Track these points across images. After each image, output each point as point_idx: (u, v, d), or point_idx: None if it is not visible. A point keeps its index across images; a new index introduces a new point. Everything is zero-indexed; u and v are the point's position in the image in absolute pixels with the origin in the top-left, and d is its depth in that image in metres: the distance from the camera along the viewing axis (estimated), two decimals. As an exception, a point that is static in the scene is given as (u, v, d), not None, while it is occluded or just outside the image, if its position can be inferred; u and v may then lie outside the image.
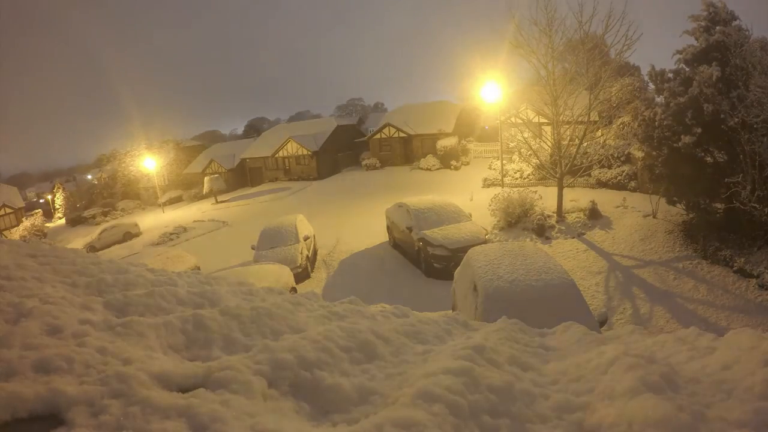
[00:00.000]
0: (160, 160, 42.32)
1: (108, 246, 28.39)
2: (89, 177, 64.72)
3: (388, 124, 34.74)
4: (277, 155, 39.43)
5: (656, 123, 13.04)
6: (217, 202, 35.51)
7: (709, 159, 12.67)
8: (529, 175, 21.14)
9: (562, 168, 15.52)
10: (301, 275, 13.24)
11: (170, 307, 3.14)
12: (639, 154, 16.42)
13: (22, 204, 42.88)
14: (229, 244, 20.64)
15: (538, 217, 14.95)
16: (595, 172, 18.41)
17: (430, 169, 29.66)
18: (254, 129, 66.24)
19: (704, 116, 11.99)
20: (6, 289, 2.91)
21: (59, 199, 53.68)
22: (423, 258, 12.60)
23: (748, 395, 1.83)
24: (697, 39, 12.78)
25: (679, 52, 13.22)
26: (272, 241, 14.24)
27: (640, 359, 2.12)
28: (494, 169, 22.91)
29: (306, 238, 14.54)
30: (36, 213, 44.74)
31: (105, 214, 42.76)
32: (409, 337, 3.04)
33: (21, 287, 3.03)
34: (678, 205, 13.51)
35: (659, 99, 14.02)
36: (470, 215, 13.94)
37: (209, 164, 43.20)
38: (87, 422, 1.55)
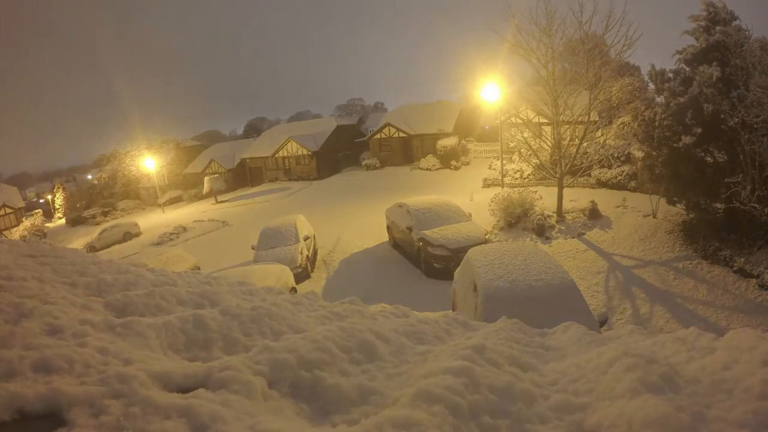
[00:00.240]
0: (160, 160, 42.33)
1: (108, 246, 28.40)
2: (89, 177, 64.76)
3: (388, 124, 34.75)
4: (277, 155, 39.43)
5: (656, 123, 13.04)
6: (217, 202, 35.52)
7: (709, 159, 12.67)
8: (529, 175, 21.14)
9: (562, 168, 15.52)
10: (301, 275, 13.24)
11: (170, 307, 3.15)
12: (639, 154, 16.42)
13: (22, 204, 42.91)
14: (229, 244, 20.64)
15: (538, 217, 14.95)
16: (595, 172, 18.41)
17: (430, 169, 29.66)
18: (254, 129, 66.22)
19: (704, 116, 11.99)
20: (6, 289, 2.91)
21: (59, 199, 53.69)
22: (423, 258, 12.60)
23: (748, 395, 1.83)
24: (697, 39, 12.79)
25: (679, 52, 13.22)
26: (272, 241, 14.25)
27: (640, 359, 2.12)
28: (494, 169, 22.91)
29: (306, 238, 14.54)
30: (36, 213, 44.79)
31: (105, 214, 42.78)
32: (409, 337, 3.04)
33: (21, 287, 3.03)
34: (678, 205, 13.51)
35: (659, 99, 14.03)
36: (470, 215, 13.94)
37: (209, 164, 43.22)
38: (87, 422, 1.55)
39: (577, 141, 15.53)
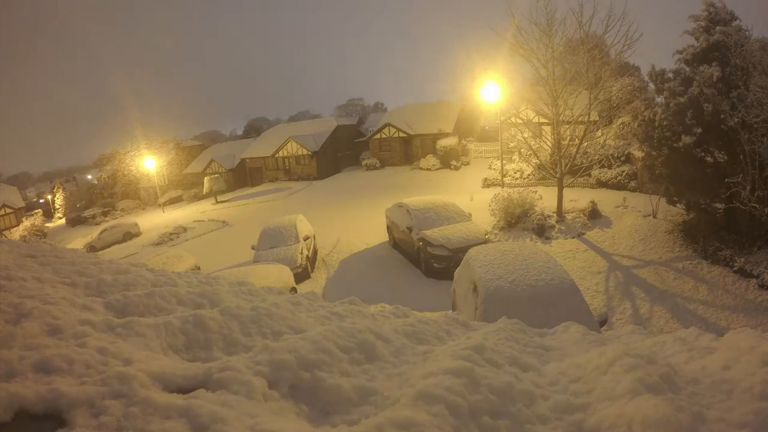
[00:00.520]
0: (160, 160, 42.32)
1: (108, 246, 28.39)
2: (89, 177, 64.68)
3: (388, 124, 34.74)
4: (277, 155, 39.43)
5: (656, 123, 13.03)
6: (217, 202, 35.52)
7: (709, 159, 12.67)
8: (529, 175, 21.14)
9: (562, 168, 15.52)
10: (301, 275, 13.25)
11: (170, 308, 3.15)
12: (639, 154, 16.42)
13: (22, 204, 42.89)
14: (229, 244, 20.64)
15: (538, 217, 14.95)
16: (595, 172, 18.42)
17: (430, 169, 29.66)
18: (254, 129, 66.15)
19: (704, 116, 11.99)
20: (6, 289, 2.91)
21: (59, 199, 53.69)
22: (423, 258, 12.60)
23: (748, 396, 1.83)
24: (697, 39, 12.78)
25: (679, 52, 13.22)
26: (272, 241, 14.25)
27: (640, 360, 2.12)
28: (494, 169, 22.91)
29: (306, 238, 14.54)
30: (36, 213, 44.74)
31: (105, 214, 42.78)
32: (409, 337, 3.04)
33: (21, 287, 3.03)
34: (678, 205, 13.51)
35: (659, 99, 14.02)
36: (470, 215, 13.95)
37: (209, 164, 43.22)
38: (87, 423, 1.55)
39: (577, 141, 15.53)
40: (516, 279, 6.41)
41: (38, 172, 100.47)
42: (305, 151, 37.55)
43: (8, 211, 39.96)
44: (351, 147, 39.60)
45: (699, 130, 12.19)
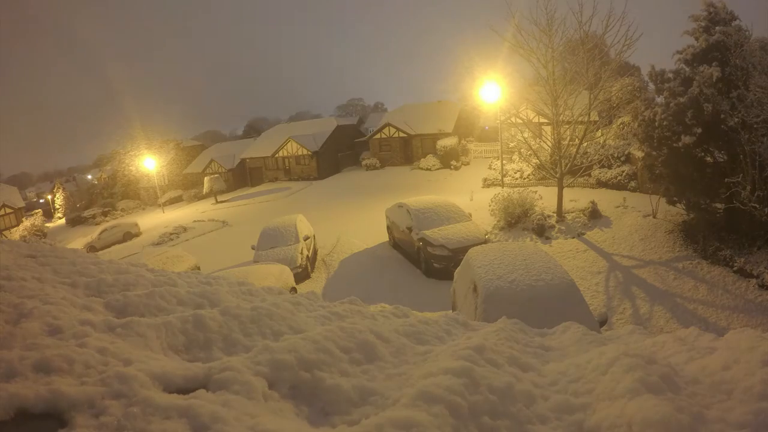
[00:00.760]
0: (160, 160, 42.34)
1: (108, 246, 28.41)
2: (89, 177, 64.73)
3: (388, 124, 34.75)
4: (277, 155, 39.44)
5: (656, 123, 13.03)
6: (217, 202, 35.53)
7: (709, 159, 12.67)
8: (529, 175, 21.14)
9: (562, 168, 15.52)
10: (301, 275, 13.25)
11: (170, 308, 3.15)
12: (639, 154, 16.42)
13: (22, 204, 42.88)
14: (229, 244, 20.64)
15: (538, 217, 14.96)
16: (595, 172, 18.42)
17: (430, 169, 29.67)
18: (254, 129, 66.22)
19: (704, 116, 11.99)
20: (6, 289, 2.91)
21: (59, 199, 53.71)
22: (423, 258, 12.60)
23: (748, 396, 1.83)
24: (697, 39, 12.78)
25: (679, 52, 13.22)
26: (272, 241, 14.25)
27: (640, 360, 2.12)
28: (494, 169, 22.91)
29: (306, 238, 14.54)
30: (36, 213, 44.74)
31: (105, 214, 42.80)
32: (409, 337, 3.04)
33: (21, 288, 3.03)
34: (678, 205, 13.51)
35: (659, 99, 14.01)
36: (470, 215, 13.95)
37: (209, 164, 43.23)
38: (88, 423, 1.55)
39: (577, 141, 15.53)
40: (516, 279, 6.41)
41: (38, 172, 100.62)
42: (305, 151, 37.56)
43: (8, 211, 39.96)
44: (351, 147, 39.62)
45: (699, 130, 12.18)
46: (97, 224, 38.54)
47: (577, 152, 15.57)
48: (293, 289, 10.90)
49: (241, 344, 2.63)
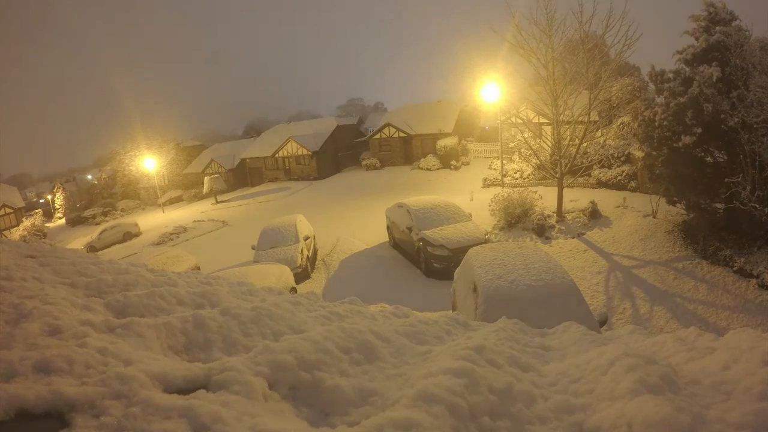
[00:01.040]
0: (160, 160, 42.35)
1: (108, 246, 28.40)
2: (89, 177, 64.74)
3: (388, 124, 34.75)
4: (277, 155, 39.43)
5: (656, 123, 13.03)
6: (217, 202, 35.52)
7: (709, 159, 12.67)
8: (529, 175, 21.14)
9: (562, 168, 15.52)
10: (301, 275, 13.25)
11: (170, 308, 3.15)
12: (639, 154, 16.42)
13: (22, 204, 42.85)
14: (229, 244, 20.64)
15: (538, 217, 14.96)
16: (595, 172, 18.42)
17: (430, 169, 29.67)
18: (254, 129, 66.26)
19: (704, 116, 11.99)
20: (6, 289, 2.91)
21: (59, 199, 53.71)
22: (423, 258, 12.60)
23: (748, 396, 1.83)
24: (697, 39, 12.78)
25: (679, 52, 13.22)
26: (272, 241, 14.25)
27: (640, 360, 2.12)
28: (494, 169, 22.91)
29: (306, 238, 14.54)
30: (36, 213, 44.73)
31: (105, 214, 42.80)
32: (409, 337, 3.04)
33: (21, 288, 3.03)
34: (678, 205, 13.51)
35: (659, 99, 14.01)
36: (470, 215, 13.95)
37: (209, 164, 43.23)
38: (88, 423, 1.55)
39: (577, 141, 15.53)
40: (516, 279, 6.41)
41: (38, 172, 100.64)
42: (305, 151, 37.56)
43: (8, 211, 39.94)
44: (351, 147, 39.61)
45: (699, 130, 12.18)
46: (97, 224, 38.54)
47: (577, 152, 15.57)
48: (293, 289, 10.90)
49: (241, 344, 2.63)
